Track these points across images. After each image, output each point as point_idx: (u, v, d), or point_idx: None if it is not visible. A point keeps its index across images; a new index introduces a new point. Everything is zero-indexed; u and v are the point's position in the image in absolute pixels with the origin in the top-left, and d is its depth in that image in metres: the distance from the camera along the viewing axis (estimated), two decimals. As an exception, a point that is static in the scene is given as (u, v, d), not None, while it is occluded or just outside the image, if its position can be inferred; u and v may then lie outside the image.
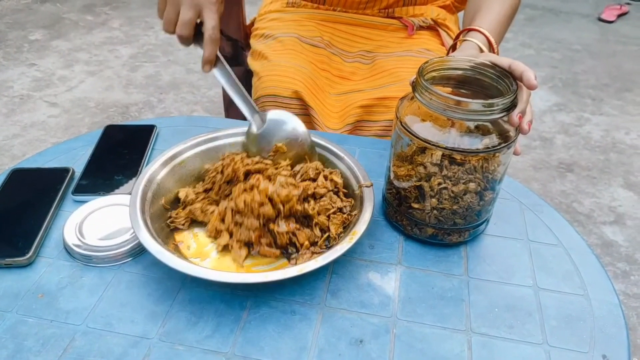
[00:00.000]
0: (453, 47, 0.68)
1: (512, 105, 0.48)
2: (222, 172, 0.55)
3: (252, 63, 0.90)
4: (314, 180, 0.54)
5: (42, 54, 2.02)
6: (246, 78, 1.05)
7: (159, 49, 2.09)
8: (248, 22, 1.08)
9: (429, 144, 0.48)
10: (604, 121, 1.79)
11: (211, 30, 0.56)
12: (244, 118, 0.96)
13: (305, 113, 0.81)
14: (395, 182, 0.54)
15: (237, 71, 1.09)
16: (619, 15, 2.59)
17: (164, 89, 1.85)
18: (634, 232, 1.32)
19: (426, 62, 0.51)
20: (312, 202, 0.52)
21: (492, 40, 0.63)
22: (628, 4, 2.71)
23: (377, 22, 0.92)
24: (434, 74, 0.51)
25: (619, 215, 1.38)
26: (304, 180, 0.54)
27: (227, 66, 0.59)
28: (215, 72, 0.58)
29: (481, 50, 0.61)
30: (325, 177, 0.54)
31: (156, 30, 2.23)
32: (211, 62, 0.58)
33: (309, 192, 0.52)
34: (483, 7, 0.68)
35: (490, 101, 0.46)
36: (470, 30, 0.64)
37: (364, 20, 0.92)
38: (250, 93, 0.91)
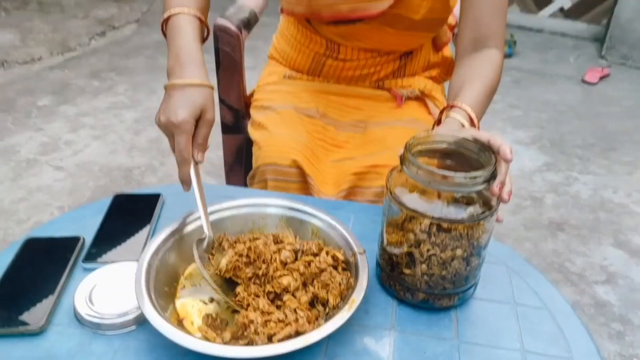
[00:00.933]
0: (438, 121, 0.74)
1: (492, 177, 0.52)
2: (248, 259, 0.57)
3: (253, 132, 0.96)
4: (317, 255, 0.58)
5: (50, 118, 2.10)
6: (246, 145, 1.11)
7: (162, 113, 2.18)
8: (248, 92, 1.15)
9: (418, 213, 0.53)
10: (591, 180, 1.85)
11: (177, 153, 0.62)
12: (244, 184, 1.01)
13: (303, 180, 0.86)
14: (388, 248, 0.58)
15: (238, 139, 1.15)
16: (601, 78, 2.72)
17: (166, 153, 1.91)
18: (626, 291, 1.35)
19: (413, 138, 0.56)
20: (316, 283, 0.55)
21: (474, 116, 0.69)
22: (609, 66, 2.85)
23: (369, 94, 0.99)
24: (420, 147, 0.56)
25: (611, 274, 1.41)
26: (307, 255, 0.58)
27: (201, 189, 0.63)
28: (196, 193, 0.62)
29: (463, 126, 0.67)
30: (327, 253, 0.58)
31: (159, 95, 2.32)
32: (186, 182, 0.63)
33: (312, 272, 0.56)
34: (466, 84, 0.74)
35: (471, 174, 0.51)
36: (453, 106, 0.70)
37: (356, 92, 0.99)
38: (250, 159, 0.96)
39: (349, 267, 0.57)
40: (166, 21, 0.69)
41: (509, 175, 0.56)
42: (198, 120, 0.63)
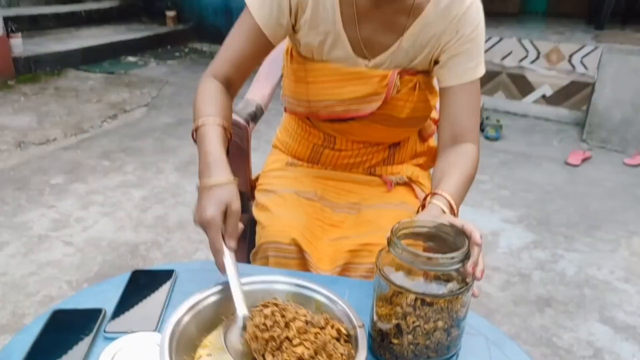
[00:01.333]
0: (423, 206, 0.85)
1: (467, 258, 0.62)
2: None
3: (257, 213, 1.06)
4: (323, 328, 0.64)
5: (62, 196, 2.22)
6: (251, 225, 1.21)
7: (168, 192, 2.30)
8: (253, 177, 1.27)
9: (404, 289, 0.61)
10: (576, 258, 1.94)
11: (210, 245, 0.72)
12: (247, 261, 1.10)
13: (302, 257, 0.95)
14: (378, 321, 0.66)
15: (242, 219, 1.25)
16: (583, 160, 2.88)
17: (171, 229, 2.01)
18: (614, 366, 1.39)
19: (398, 223, 0.66)
20: (323, 353, 0.61)
21: (453, 203, 0.80)
22: (590, 149, 3.03)
23: (362, 179, 1.10)
24: (405, 231, 0.67)
25: (597, 350, 1.46)
26: (315, 327, 0.64)
27: (235, 275, 0.70)
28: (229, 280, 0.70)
29: (443, 211, 0.78)
30: (332, 326, 0.65)
31: (166, 174, 2.47)
32: (221, 269, 0.72)
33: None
34: (446, 175, 0.85)
35: (447, 256, 0.60)
36: (435, 193, 0.81)
37: (350, 178, 1.11)
38: (253, 237, 1.06)
39: (350, 339, 0.64)
40: (196, 130, 0.82)
41: (481, 257, 0.65)
42: (226, 213, 0.73)
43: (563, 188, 2.53)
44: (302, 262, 0.95)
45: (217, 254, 0.72)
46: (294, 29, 0.95)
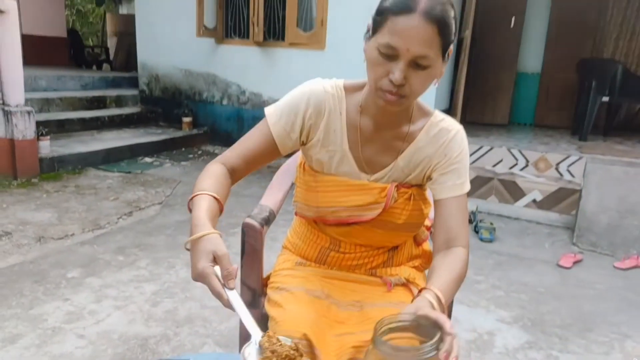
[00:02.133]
0: (414, 298, 0.98)
1: (438, 347, 0.74)
2: None
3: (270, 309, 1.18)
4: None
5: (77, 289, 2.33)
6: (262, 319, 1.33)
7: (178, 287, 2.41)
8: (265, 275, 1.41)
9: None
10: (571, 359, 2.00)
11: (213, 293, 0.82)
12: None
13: (311, 352, 1.06)
14: None
15: (254, 313, 1.37)
16: (575, 262, 3.00)
17: (179, 323, 2.09)
18: None
19: (379, 322, 0.79)
20: None
21: (441, 296, 0.91)
22: (581, 252, 3.16)
23: (364, 280, 1.24)
24: (390, 326, 0.79)
25: None
26: None
27: (242, 306, 0.81)
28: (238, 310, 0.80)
29: (432, 303, 0.89)
30: None
31: (177, 270, 2.59)
32: (228, 306, 0.81)
33: None
34: (436, 274, 0.99)
35: (416, 347, 0.73)
36: (426, 289, 0.94)
37: (354, 278, 1.24)
38: (266, 331, 1.16)
39: None
40: (191, 200, 0.96)
41: (455, 344, 0.77)
42: (216, 260, 0.84)
43: (556, 290, 2.63)
44: (311, 357, 1.05)
45: (219, 297, 0.82)
46: (304, 145, 1.15)
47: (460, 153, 1.09)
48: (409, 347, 0.73)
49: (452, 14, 0.93)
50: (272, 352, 0.76)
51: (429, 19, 0.90)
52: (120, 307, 2.19)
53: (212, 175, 1.03)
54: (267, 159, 1.13)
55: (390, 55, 0.93)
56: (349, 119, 1.11)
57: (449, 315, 1.41)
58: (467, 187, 1.10)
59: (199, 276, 0.83)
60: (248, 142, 1.11)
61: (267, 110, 1.12)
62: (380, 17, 0.94)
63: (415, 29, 0.90)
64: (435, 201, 1.10)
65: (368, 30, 0.99)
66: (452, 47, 0.98)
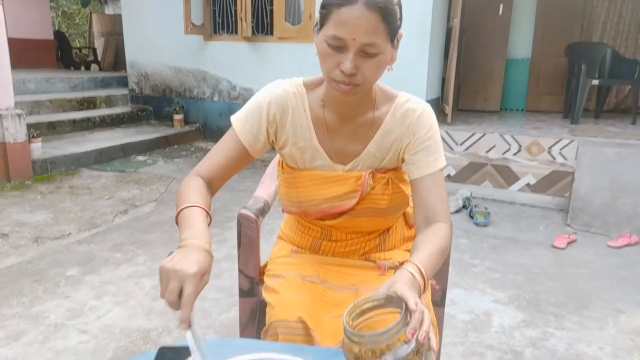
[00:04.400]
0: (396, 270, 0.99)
1: (405, 325, 0.73)
2: None
3: (267, 296, 1.20)
4: None
5: (76, 287, 2.34)
6: (260, 306, 1.35)
7: (177, 281, 2.43)
8: (262, 264, 1.43)
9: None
10: (566, 335, 2.04)
11: (186, 297, 0.78)
12: (258, 338, 1.23)
13: (308, 334, 1.08)
14: None
15: (252, 302, 1.40)
16: (569, 243, 3.04)
17: (180, 316, 2.11)
18: None
19: (351, 306, 0.80)
20: None
21: (422, 268, 0.91)
22: (575, 233, 3.20)
23: (358, 264, 1.26)
24: (364, 307, 0.80)
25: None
26: None
27: (198, 330, 0.79)
28: (188, 334, 0.78)
29: (412, 275, 0.89)
30: None
31: (175, 265, 2.60)
32: (186, 322, 0.79)
33: None
34: (418, 248, 0.98)
35: (375, 333, 0.72)
36: (407, 262, 0.93)
37: (348, 263, 1.26)
38: (261, 318, 1.18)
39: None
40: (178, 214, 0.97)
41: (426, 319, 0.76)
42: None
43: (550, 270, 2.67)
44: (308, 339, 1.07)
45: (178, 307, 0.81)
46: (273, 145, 1.16)
47: (428, 130, 1.09)
48: (373, 333, 0.74)
49: (394, 0, 0.94)
50: None
51: (370, 7, 0.91)
52: (120, 303, 2.21)
53: (194, 189, 1.03)
54: (241, 165, 1.14)
55: (338, 46, 0.94)
56: (313, 115, 1.12)
57: (444, 298, 1.44)
58: (442, 163, 1.10)
59: (169, 303, 0.81)
60: (220, 153, 1.11)
61: (232, 118, 1.14)
62: (325, 10, 0.95)
63: (359, 19, 0.91)
64: (411, 181, 1.10)
65: (316, 24, 1.00)
66: (401, 32, 0.99)
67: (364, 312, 0.80)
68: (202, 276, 0.83)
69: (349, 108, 1.10)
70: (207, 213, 0.98)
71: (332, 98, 1.09)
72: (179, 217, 0.97)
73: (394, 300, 0.80)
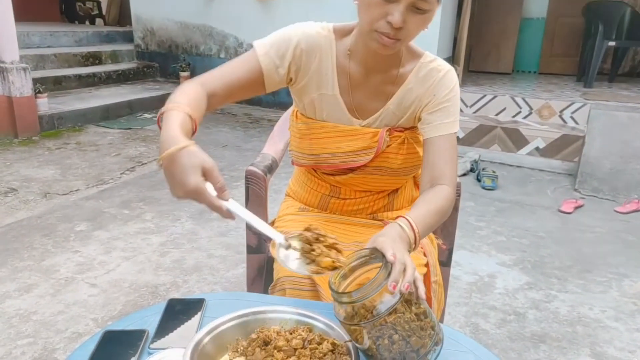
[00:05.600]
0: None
1: (387, 277, 0.72)
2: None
3: (274, 252, 1.21)
4: (320, 344, 0.77)
5: (86, 242, 2.37)
6: (268, 263, 1.36)
7: (184, 238, 2.46)
8: (269, 221, 1.43)
9: (345, 324, 0.74)
10: (569, 298, 2.05)
11: (208, 207, 0.75)
12: (265, 292, 1.24)
13: (315, 289, 1.09)
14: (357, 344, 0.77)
15: (260, 258, 1.41)
16: (576, 208, 3.03)
17: (188, 272, 2.15)
18: (603, 397, 1.48)
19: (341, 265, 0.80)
20: None
21: (413, 223, 0.90)
22: (582, 198, 3.19)
23: (366, 223, 1.26)
24: (351, 265, 0.79)
25: (588, 382, 1.55)
26: (312, 343, 0.78)
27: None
28: (231, 201, 0.76)
29: (402, 228, 0.88)
30: (327, 341, 0.78)
31: (182, 222, 2.63)
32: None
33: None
34: (416, 206, 0.98)
35: (356, 291, 0.71)
36: (400, 217, 0.92)
37: (355, 222, 1.26)
38: (269, 274, 1.19)
39: (348, 352, 0.77)
40: (162, 114, 0.84)
41: (409, 271, 0.74)
42: (204, 174, 0.75)
43: (556, 234, 2.67)
44: (315, 294, 1.09)
45: (218, 210, 0.76)
46: (291, 84, 1.12)
47: (449, 92, 1.07)
48: (357, 290, 0.73)
49: None
50: (316, 239, 0.79)
51: None
52: (129, 258, 2.24)
53: (188, 94, 0.91)
54: (250, 91, 1.06)
55: None
56: (338, 64, 1.09)
57: (450, 258, 1.44)
58: (456, 127, 1.07)
59: (190, 193, 0.74)
60: (232, 70, 1.02)
61: (256, 42, 1.07)
62: None
63: None
64: (424, 140, 1.08)
65: None
66: None
67: (352, 270, 0.80)
68: (204, 168, 0.76)
69: (376, 62, 1.07)
70: (191, 118, 0.85)
71: (361, 49, 1.05)
72: (160, 120, 0.84)
73: (378, 255, 0.79)
